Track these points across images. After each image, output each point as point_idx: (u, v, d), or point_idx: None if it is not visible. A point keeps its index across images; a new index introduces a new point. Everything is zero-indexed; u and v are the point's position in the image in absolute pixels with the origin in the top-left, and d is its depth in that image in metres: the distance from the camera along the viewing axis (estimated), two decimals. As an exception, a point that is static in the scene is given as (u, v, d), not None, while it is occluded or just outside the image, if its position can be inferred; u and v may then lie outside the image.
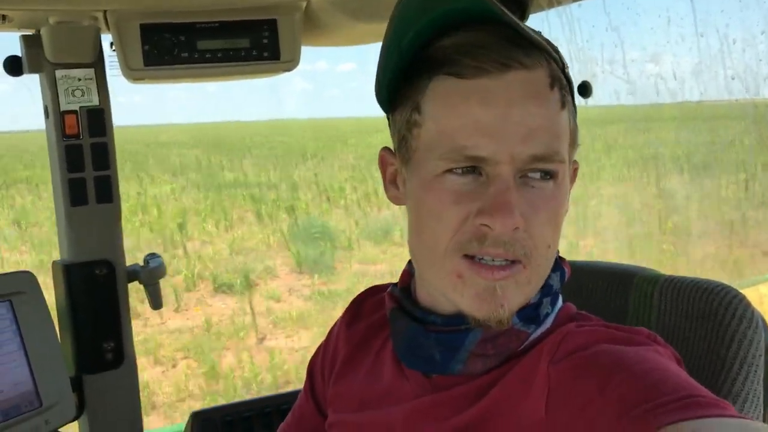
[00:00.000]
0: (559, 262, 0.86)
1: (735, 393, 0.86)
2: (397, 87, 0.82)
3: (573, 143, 0.80)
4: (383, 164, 0.89)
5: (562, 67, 0.79)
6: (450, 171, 0.76)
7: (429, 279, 0.82)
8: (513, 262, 0.75)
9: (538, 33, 0.79)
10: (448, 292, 0.79)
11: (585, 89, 1.06)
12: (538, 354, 0.78)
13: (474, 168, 0.75)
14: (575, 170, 0.85)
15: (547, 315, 0.83)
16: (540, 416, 0.74)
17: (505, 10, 0.70)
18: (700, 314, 0.91)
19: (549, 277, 0.83)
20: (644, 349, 0.73)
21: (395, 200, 0.87)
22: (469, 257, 0.75)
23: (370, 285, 1.06)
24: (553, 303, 0.84)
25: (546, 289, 0.82)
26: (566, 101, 0.78)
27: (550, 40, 0.80)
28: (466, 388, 0.81)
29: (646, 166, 12.92)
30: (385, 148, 0.88)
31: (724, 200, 10.52)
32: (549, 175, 0.75)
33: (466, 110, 0.74)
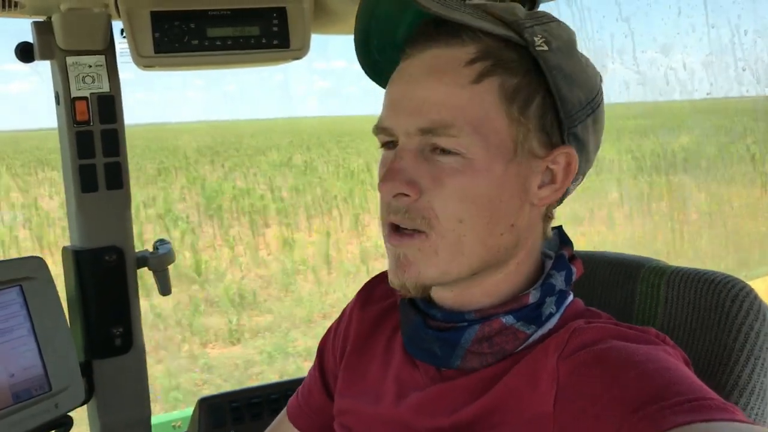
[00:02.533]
0: (566, 261, 0.86)
1: (741, 386, 0.86)
2: None
3: (513, 121, 0.78)
4: None
5: (526, 44, 0.78)
6: (383, 146, 0.84)
7: None
8: (417, 231, 0.79)
9: (499, 12, 0.80)
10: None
11: None
12: (546, 349, 0.78)
13: (392, 143, 0.82)
14: (567, 155, 0.81)
15: (551, 315, 0.82)
16: (548, 410, 0.74)
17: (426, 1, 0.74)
18: (707, 306, 0.91)
19: (551, 275, 0.83)
20: (654, 349, 0.73)
21: None
22: (390, 226, 0.81)
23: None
24: (559, 302, 0.83)
25: (547, 288, 0.82)
26: (490, 76, 0.77)
27: (524, 17, 0.80)
28: (475, 380, 0.81)
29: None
30: None
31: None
32: (446, 149, 0.77)
33: (388, 90, 0.83)
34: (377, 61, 0.88)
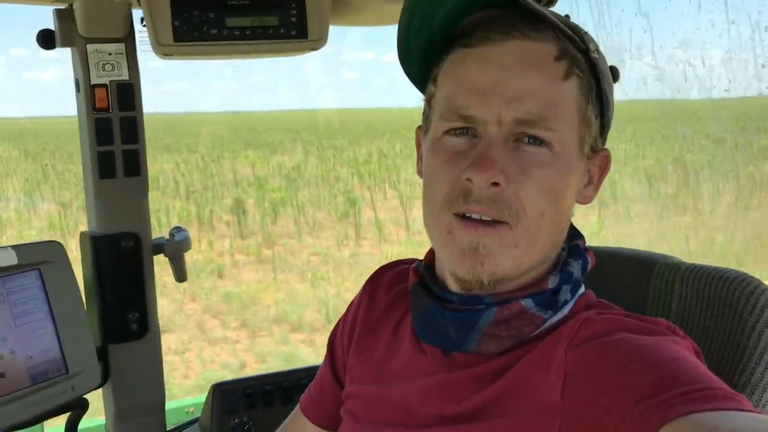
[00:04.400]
0: (583, 251, 0.87)
1: (754, 383, 0.86)
2: (427, 65, 0.86)
3: (584, 121, 0.81)
4: (417, 142, 0.93)
5: (585, 49, 0.81)
6: (448, 132, 0.81)
7: (431, 239, 0.86)
8: (500, 222, 0.77)
9: (560, 16, 0.81)
10: (440, 250, 0.84)
11: (612, 74, 1.06)
12: (556, 338, 0.78)
13: (468, 129, 0.79)
14: (605, 158, 0.87)
15: (566, 302, 0.83)
16: (556, 400, 0.74)
17: None
18: (720, 303, 0.91)
19: (569, 263, 0.84)
20: (663, 340, 0.73)
21: (419, 173, 0.91)
22: (459, 215, 0.79)
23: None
24: (574, 291, 0.84)
25: (565, 276, 0.83)
26: (573, 75, 0.79)
27: (576, 24, 0.82)
28: (483, 369, 0.82)
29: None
30: (419, 127, 0.92)
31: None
32: (539, 141, 0.78)
33: (465, 74, 0.80)
34: (409, 45, 0.86)
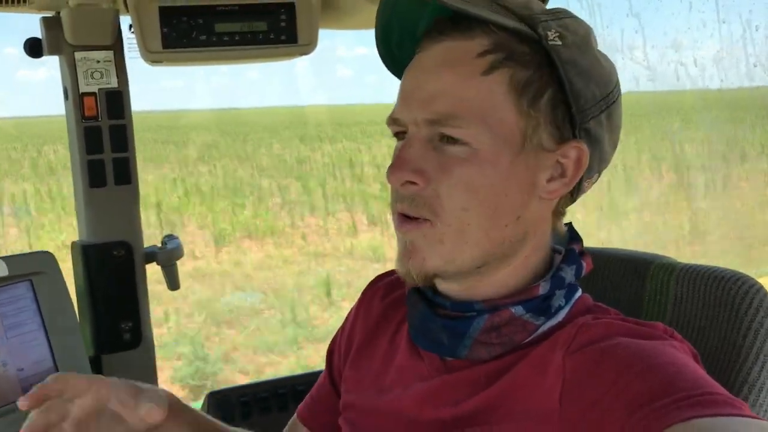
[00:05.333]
0: (577, 255, 0.85)
1: (751, 383, 0.86)
2: None
3: (521, 114, 0.78)
4: None
5: (539, 38, 0.78)
6: (395, 136, 0.85)
7: None
8: (423, 220, 0.79)
9: (513, 6, 0.80)
10: None
11: None
12: (553, 344, 0.78)
13: (404, 133, 0.82)
14: (577, 149, 0.80)
15: (561, 307, 0.82)
16: (553, 406, 0.74)
17: None
18: (716, 303, 0.91)
19: (561, 269, 0.83)
20: (661, 344, 0.73)
21: None
22: (398, 215, 0.82)
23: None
24: (568, 296, 0.83)
25: (557, 281, 0.82)
26: (500, 68, 0.77)
27: (533, 13, 0.79)
28: (479, 373, 0.81)
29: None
30: None
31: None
32: (452, 139, 0.78)
33: (402, 80, 0.84)
34: (396, 56, 0.88)
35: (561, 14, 0.81)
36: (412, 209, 0.80)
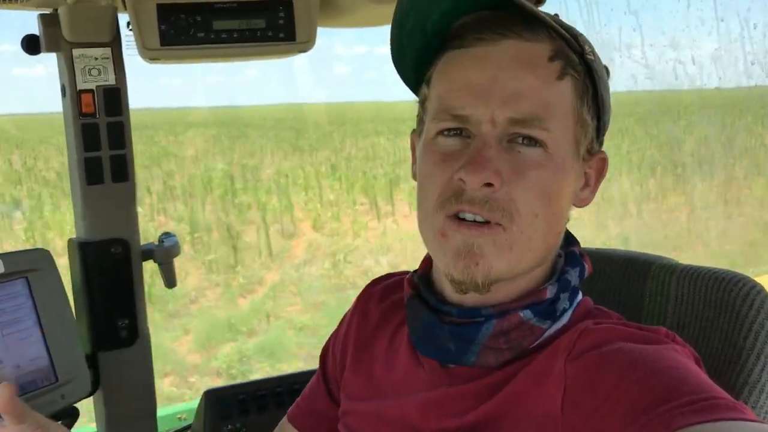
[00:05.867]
0: (579, 257, 0.86)
1: (751, 384, 0.86)
2: (421, 67, 0.86)
3: (579, 122, 0.80)
4: (411, 146, 0.92)
5: (581, 50, 0.80)
6: (441, 133, 0.80)
7: (425, 242, 0.84)
8: (494, 223, 0.76)
9: (554, 16, 0.80)
10: (434, 252, 0.82)
11: None
12: (554, 350, 0.77)
13: (461, 130, 0.78)
14: (602, 160, 0.85)
15: (565, 310, 0.82)
16: (556, 412, 0.73)
17: None
18: (717, 304, 0.91)
19: (566, 271, 0.84)
20: (663, 348, 0.72)
21: (413, 176, 0.89)
22: (452, 217, 0.78)
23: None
24: (572, 298, 0.83)
25: (563, 284, 0.82)
26: (567, 75, 0.78)
27: (570, 25, 0.81)
28: (482, 383, 0.81)
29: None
30: (414, 131, 0.91)
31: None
32: (533, 141, 0.77)
33: (459, 74, 0.79)
34: (402, 47, 0.85)
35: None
36: (485, 212, 0.76)
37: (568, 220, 0.86)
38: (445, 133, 0.80)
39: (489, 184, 0.75)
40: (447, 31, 0.82)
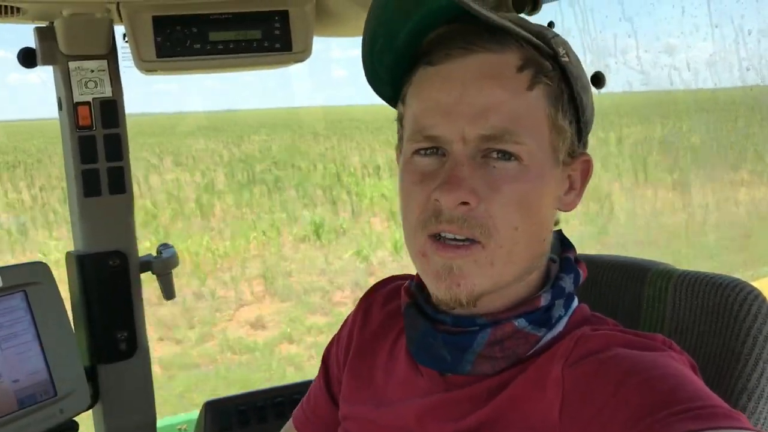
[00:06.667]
0: (574, 264, 0.86)
1: (750, 390, 0.85)
2: (397, 84, 0.86)
3: (555, 129, 0.79)
4: (397, 161, 0.91)
5: (554, 54, 0.79)
6: (417, 153, 0.80)
7: (411, 259, 0.84)
8: (473, 241, 0.76)
9: (525, 22, 0.81)
10: (418, 271, 0.83)
11: (598, 80, 1.06)
12: (551, 357, 0.77)
13: (437, 149, 0.78)
14: (586, 162, 0.85)
15: (560, 318, 0.82)
16: (554, 419, 0.73)
17: (472, 4, 0.72)
18: (714, 310, 0.90)
19: (560, 278, 0.83)
20: (659, 355, 0.72)
21: (399, 192, 0.89)
22: (433, 237, 0.78)
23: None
24: (567, 305, 0.83)
25: (557, 291, 0.82)
26: (539, 83, 0.77)
27: (541, 28, 0.81)
28: (479, 389, 0.80)
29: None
30: (396, 146, 0.91)
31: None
32: (507, 155, 0.76)
33: (429, 93, 0.79)
34: (376, 66, 0.86)
35: (554, 31, 0.82)
36: (464, 231, 0.76)
37: (557, 222, 0.86)
38: (422, 152, 0.80)
39: (465, 203, 0.75)
40: (419, 47, 0.82)
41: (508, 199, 0.76)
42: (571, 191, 0.84)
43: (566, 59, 0.80)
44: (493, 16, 0.74)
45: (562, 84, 0.80)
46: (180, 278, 6.94)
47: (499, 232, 0.76)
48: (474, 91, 0.76)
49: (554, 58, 0.79)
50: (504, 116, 0.75)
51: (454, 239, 0.77)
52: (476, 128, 0.75)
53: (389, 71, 0.84)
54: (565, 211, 0.84)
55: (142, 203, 12.21)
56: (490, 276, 0.77)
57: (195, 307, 7.34)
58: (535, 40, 0.77)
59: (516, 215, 0.76)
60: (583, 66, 0.83)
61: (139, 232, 1.57)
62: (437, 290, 0.79)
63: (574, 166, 0.83)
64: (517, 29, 0.76)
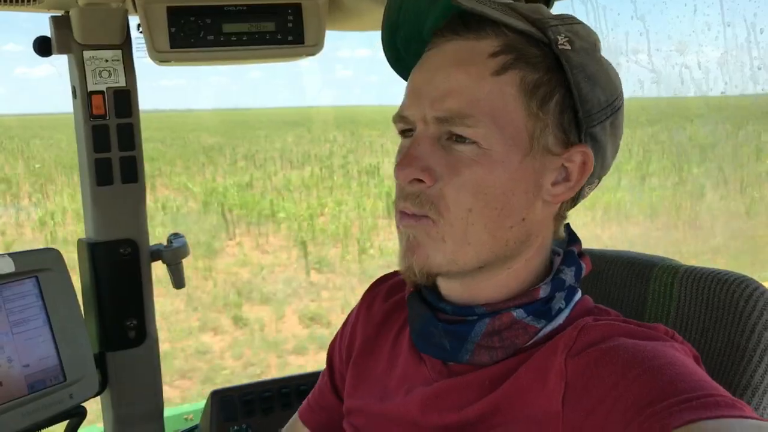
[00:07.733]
0: (576, 257, 0.86)
1: (755, 386, 0.86)
2: None
3: (531, 116, 0.78)
4: None
5: (549, 42, 0.79)
6: (402, 134, 0.85)
7: None
8: (426, 217, 0.79)
9: (523, 10, 0.80)
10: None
11: None
12: (553, 347, 0.78)
13: (411, 131, 0.82)
14: (583, 154, 0.81)
15: (561, 310, 0.82)
16: (556, 409, 0.74)
17: None
18: (720, 306, 0.91)
19: (561, 270, 0.84)
20: (662, 345, 0.72)
21: None
22: (401, 213, 0.82)
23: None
24: (569, 298, 0.83)
25: (557, 284, 0.82)
26: (512, 69, 0.78)
27: (540, 17, 0.80)
28: (481, 377, 0.81)
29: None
30: None
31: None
32: (462, 138, 0.78)
33: (412, 77, 0.84)
34: (402, 55, 0.88)
35: (570, 20, 0.82)
36: (416, 207, 0.79)
37: (565, 218, 0.86)
38: (405, 134, 0.84)
39: (420, 180, 0.78)
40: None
41: (464, 182, 0.77)
42: (566, 182, 0.82)
43: (566, 47, 0.79)
44: (477, 6, 0.76)
45: (553, 72, 0.79)
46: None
47: (450, 212, 0.78)
48: (441, 76, 0.79)
49: (549, 45, 0.79)
50: (461, 100, 0.77)
51: (413, 214, 0.80)
52: (433, 110, 0.78)
53: (417, 58, 0.85)
54: (553, 202, 0.82)
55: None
56: (443, 251, 0.79)
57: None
58: (521, 26, 0.78)
59: (471, 198, 0.77)
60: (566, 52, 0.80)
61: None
62: (399, 261, 0.83)
63: (570, 156, 0.81)
64: (502, 16, 0.77)
